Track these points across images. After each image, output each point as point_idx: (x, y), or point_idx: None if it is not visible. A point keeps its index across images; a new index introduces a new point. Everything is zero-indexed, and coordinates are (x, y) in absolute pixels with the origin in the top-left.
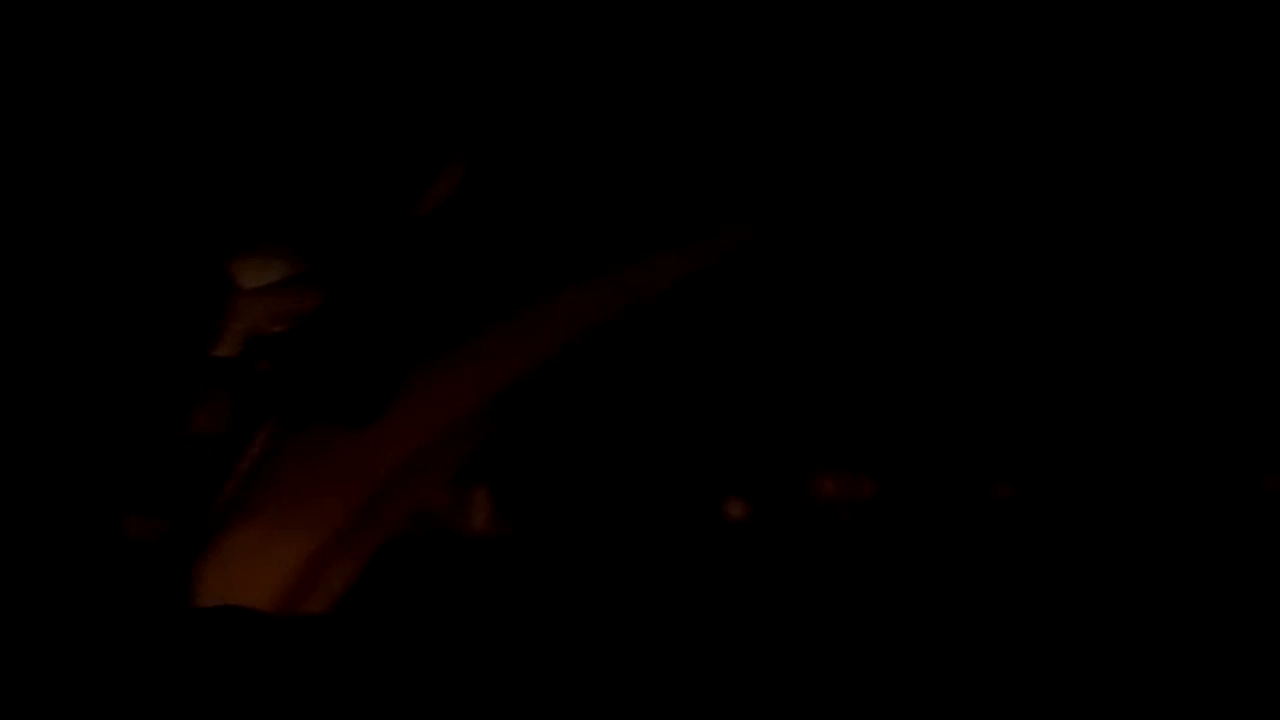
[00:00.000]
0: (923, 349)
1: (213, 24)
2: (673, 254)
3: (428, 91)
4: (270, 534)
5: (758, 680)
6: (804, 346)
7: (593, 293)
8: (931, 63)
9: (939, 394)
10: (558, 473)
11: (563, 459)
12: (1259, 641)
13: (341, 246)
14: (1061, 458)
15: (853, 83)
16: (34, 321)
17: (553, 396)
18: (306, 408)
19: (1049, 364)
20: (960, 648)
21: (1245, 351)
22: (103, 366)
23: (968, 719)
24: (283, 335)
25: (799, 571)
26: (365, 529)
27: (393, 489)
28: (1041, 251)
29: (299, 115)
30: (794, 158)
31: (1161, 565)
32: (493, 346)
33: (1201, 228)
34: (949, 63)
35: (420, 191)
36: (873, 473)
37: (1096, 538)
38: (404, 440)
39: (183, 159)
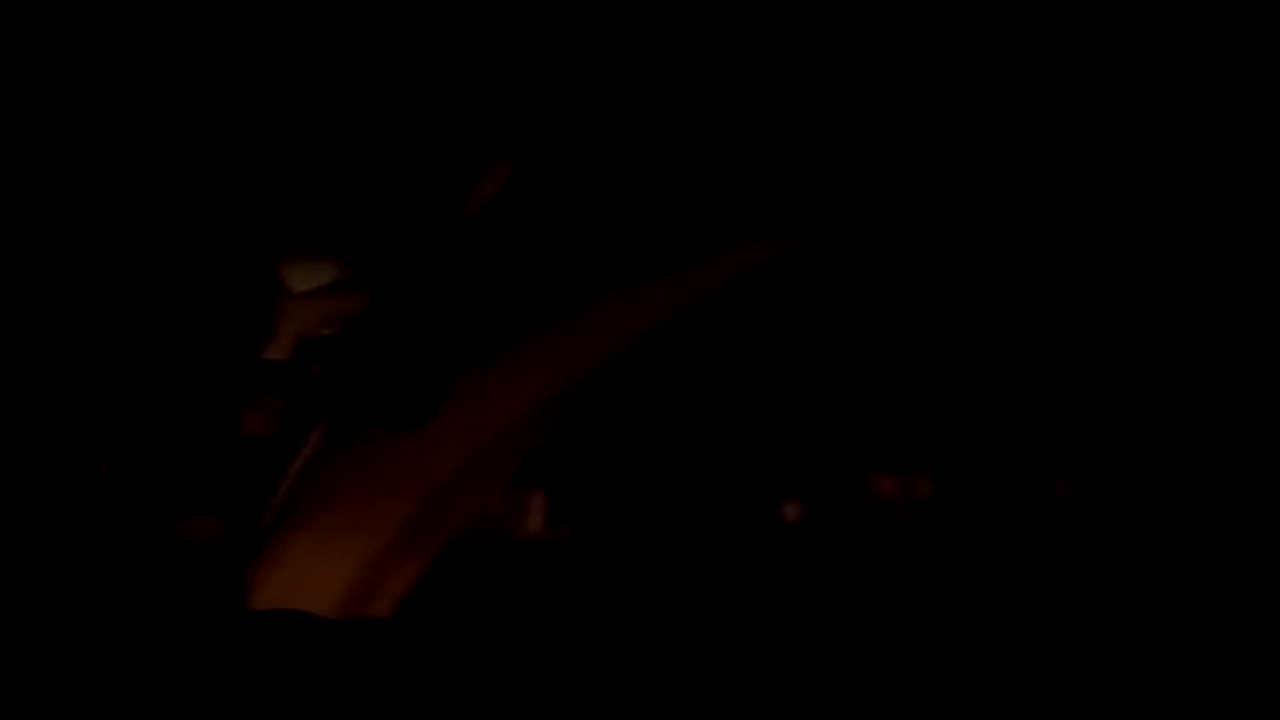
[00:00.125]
0: (979, 348)
1: (261, 27)
2: (726, 256)
3: (474, 92)
4: (330, 539)
5: (817, 681)
6: (859, 347)
7: (647, 295)
8: (975, 72)
9: (996, 391)
10: (614, 476)
11: (618, 462)
12: None
13: (390, 248)
14: (1122, 455)
15: (899, 94)
16: (87, 325)
17: (608, 399)
18: (358, 410)
19: (1108, 361)
20: (1022, 646)
21: None
22: (155, 370)
23: (1034, 715)
24: (333, 338)
25: (858, 573)
26: (424, 533)
27: (451, 493)
28: (1100, 249)
29: (346, 118)
30: (847, 162)
31: (1225, 563)
32: (548, 349)
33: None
34: (992, 72)
35: (467, 192)
36: (930, 472)
37: (1157, 536)
38: (462, 444)
39: (232, 163)
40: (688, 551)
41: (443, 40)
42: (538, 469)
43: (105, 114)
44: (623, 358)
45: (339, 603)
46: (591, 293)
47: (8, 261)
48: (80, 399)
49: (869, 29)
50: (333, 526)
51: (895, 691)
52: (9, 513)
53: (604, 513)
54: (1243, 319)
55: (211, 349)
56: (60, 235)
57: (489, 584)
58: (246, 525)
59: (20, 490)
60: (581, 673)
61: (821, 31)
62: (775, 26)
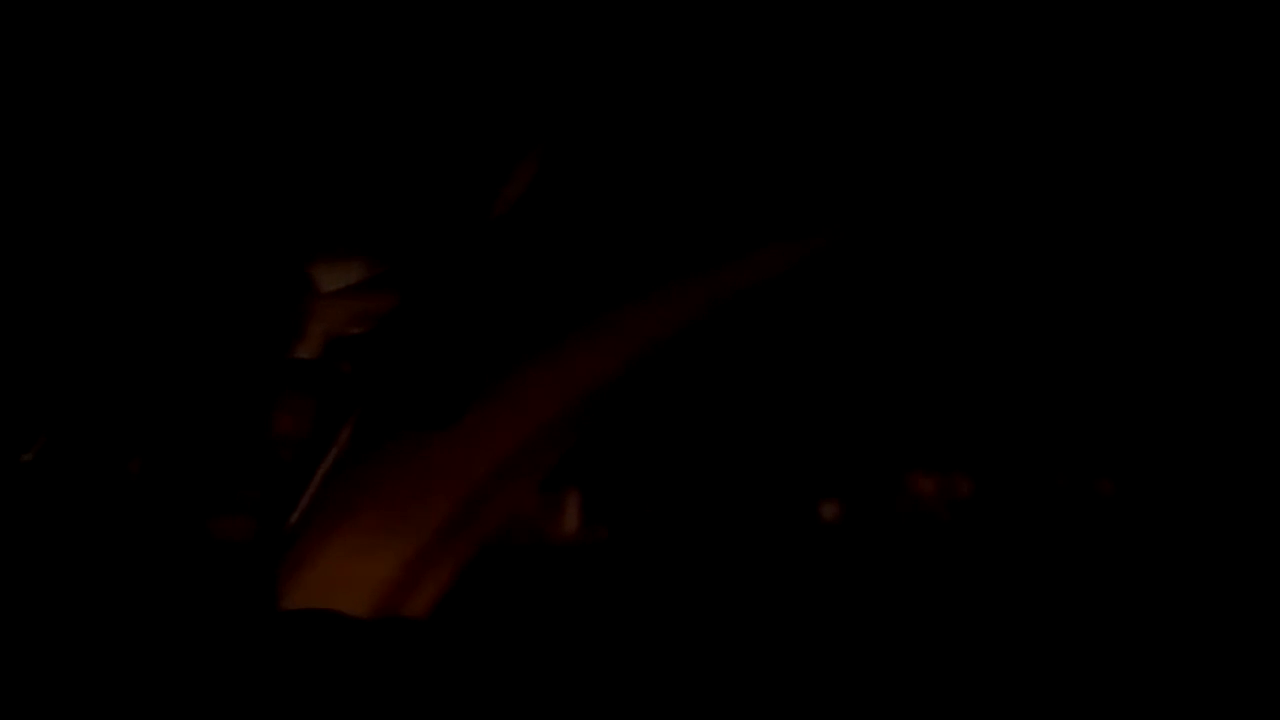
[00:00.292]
0: (1019, 348)
1: (293, 30)
2: (758, 256)
3: (501, 94)
4: (366, 540)
5: (857, 681)
6: (898, 348)
7: (683, 294)
8: (1002, 76)
9: (1035, 390)
10: (650, 477)
11: (654, 462)
12: None
13: (418, 248)
14: (1163, 453)
15: (927, 97)
16: (119, 327)
17: (644, 399)
18: (387, 410)
19: (1150, 360)
20: (1064, 644)
21: None
22: (186, 371)
23: (1077, 713)
24: (363, 337)
25: (897, 572)
26: (460, 534)
27: (486, 494)
28: (1139, 249)
29: (375, 120)
30: (882, 164)
31: (1269, 560)
32: (583, 349)
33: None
34: (1019, 74)
35: (494, 192)
36: (970, 471)
37: (1199, 534)
38: (497, 444)
39: (261, 165)
40: (725, 552)
41: (470, 43)
42: (573, 470)
43: (139, 117)
44: (657, 359)
45: (374, 604)
46: (623, 294)
47: (43, 264)
48: (112, 400)
49: (893, 35)
50: (369, 528)
51: (935, 689)
52: (43, 513)
53: (640, 514)
54: None
55: (242, 349)
56: (95, 238)
57: (524, 585)
58: (277, 524)
59: (53, 490)
60: (618, 673)
61: (851, 37)
62: (806, 31)
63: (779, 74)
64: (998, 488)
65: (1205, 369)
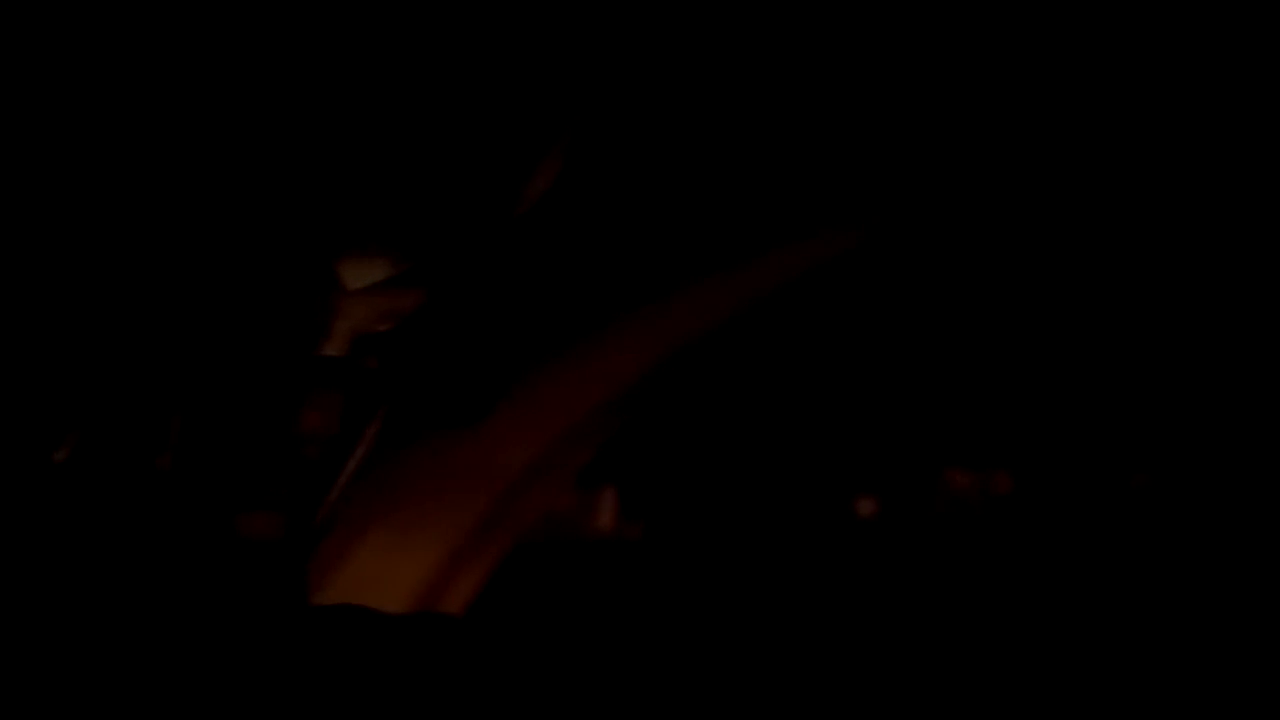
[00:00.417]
0: (1053, 341)
1: (317, 26)
2: (790, 251)
3: (526, 90)
4: (401, 537)
5: (893, 677)
6: (934, 341)
7: (716, 290)
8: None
9: (1071, 385)
10: (685, 473)
11: (690, 459)
12: None
13: (444, 245)
14: (1198, 446)
15: (962, 91)
16: (147, 324)
17: (679, 395)
18: (414, 407)
19: (1182, 352)
20: (1103, 639)
21: None
22: (213, 368)
23: (1114, 711)
24: (389, 334)
25: (933, 568)
26: (494, 531)
27: (520, 491)
28: (1172, 241)
29: (400, 115)
30: (917, 158)
31: None
32: (616, 345)
33: None
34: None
35: (520, 188)
36: (1007, 466)
37: (1235, 528)
38: (530, 441)
39: (286, 161)
40: (760, 549)
41: (494, 39)
42: (609, 467)
43: (167, 115)
44: (692, 354)
45: (408, 601)
46: (651, 291)
47: (69, 260)
48: (140, 397)
49: (915, 34)
50: (401, 526)
51: (971, 685)
52: (72, 510)
53: (676, 510)
54: None
55: (269, 346)
56: (124, 236)
57: (560, 582)
58: (305, 521)
59: (82, 487)
60: (654, 670)
61: (882, 35)
62: (835, 28)
63: (804, 72)
64: (1035, 484)
65: (1243, 364)
